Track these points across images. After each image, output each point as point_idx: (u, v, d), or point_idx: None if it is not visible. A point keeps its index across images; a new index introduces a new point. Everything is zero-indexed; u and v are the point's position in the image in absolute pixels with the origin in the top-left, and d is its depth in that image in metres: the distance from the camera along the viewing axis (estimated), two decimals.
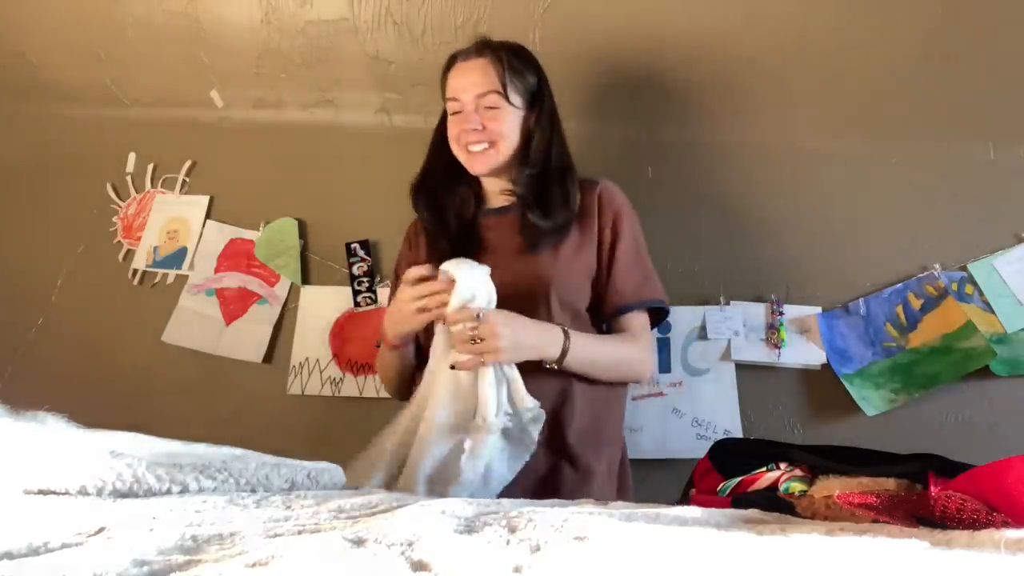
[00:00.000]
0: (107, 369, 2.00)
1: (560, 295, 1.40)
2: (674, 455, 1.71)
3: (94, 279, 2.04)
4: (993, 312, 1.65)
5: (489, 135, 1.42)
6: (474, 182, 1.53)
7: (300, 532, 0.64)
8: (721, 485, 1.01)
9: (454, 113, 1.46)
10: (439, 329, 1.29)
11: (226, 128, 2.02)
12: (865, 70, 1.70)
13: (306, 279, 1.95)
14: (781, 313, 1.72)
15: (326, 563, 0.53)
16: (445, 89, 1.48)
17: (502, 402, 1.24)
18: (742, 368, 1.73)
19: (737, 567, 0.53)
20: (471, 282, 1.23)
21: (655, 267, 1.49)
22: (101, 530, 0.61)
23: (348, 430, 1.57)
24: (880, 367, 1.68)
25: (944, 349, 1.65)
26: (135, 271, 2.02)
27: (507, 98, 1.42)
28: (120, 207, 2.06)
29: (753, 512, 0.76)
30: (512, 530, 0.61)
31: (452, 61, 1.48)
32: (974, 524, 0.72)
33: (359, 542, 0.58)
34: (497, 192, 1.51)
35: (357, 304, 1.89)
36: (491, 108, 1.42)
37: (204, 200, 2.02)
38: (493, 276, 1.28)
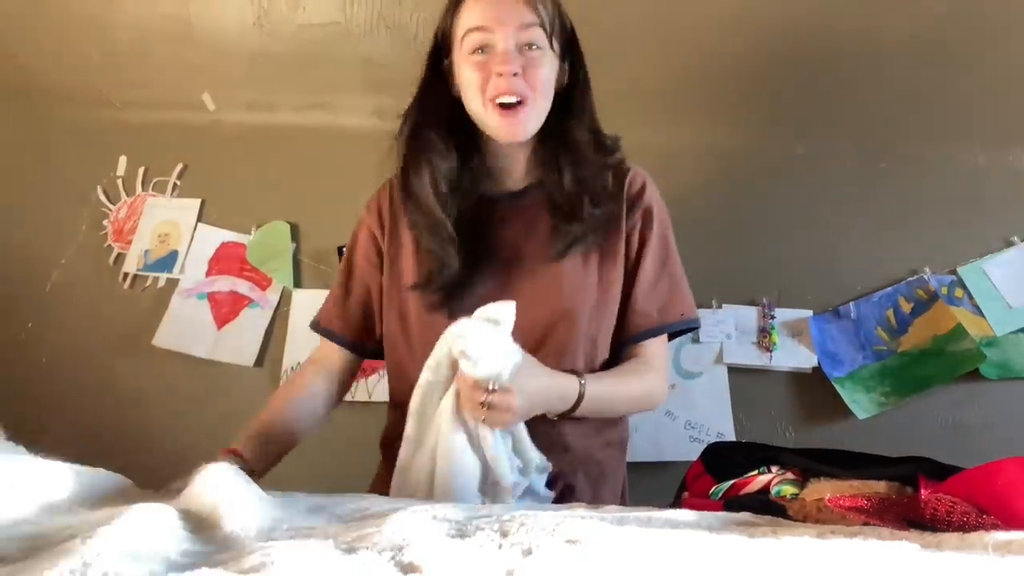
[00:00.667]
0: (97, 372, 1.99)
1: (588, 328, 1.12)
2: (667, 458, 1.71)
3: (84, 283, 2.03)
4: (983, 315, 1.66)
5: (529, 84, 1.05)
6: (473, 148, 1.15)
7: (292, 538, 0.64)
8: (713, 488, 1.01)
9: (475, 50, 1.06)
10: (449, 392, 1.01)
11: (218, 131, 2.02)
12: (855, 74, 1.71)
13: (298, 283, 1.94)
14: (773, 316, 1.73)
15: (318, 568, 0.53)
16: (457, 21, 1.10)
17: (512, 457, 1.03)
18: (734, 371, 1.74)
19: (729, 570, 0.53)
20: (494, 359, 0.95)
21: None
22: (97, 532, 0.60)
23: (337, 434, 1.56)
24: (870, 370, 1.69)
25: (934, 352, 1.66)
26: (126, 274, 2.01)
27: (551, 41, 1.07)
28: (111, 210, 2.05)
29: (745, 515, 0.76)
30: (504, 534, 0.61)
31: None
32: (964, 527, 0.72)
33: (351, 547, 0.58)
34: (511, 168, 1.16)
35: None
36: (533, 48, 1.06)
37: (195, 203, 2.01)
38: (510, 295, 0.98)
